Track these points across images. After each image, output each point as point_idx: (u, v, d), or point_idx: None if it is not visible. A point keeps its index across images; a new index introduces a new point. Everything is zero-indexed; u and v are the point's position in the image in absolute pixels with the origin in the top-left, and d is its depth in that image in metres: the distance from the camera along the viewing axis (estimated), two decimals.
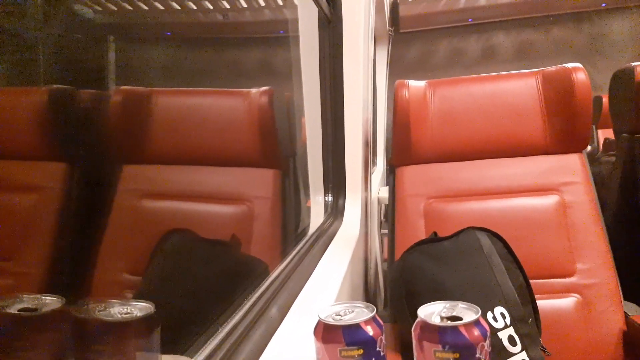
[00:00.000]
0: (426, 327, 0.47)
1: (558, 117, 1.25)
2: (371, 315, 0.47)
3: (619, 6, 4.48)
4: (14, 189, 0.68)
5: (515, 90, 1.30)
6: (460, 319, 0.47)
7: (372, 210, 1.58)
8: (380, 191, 1.86)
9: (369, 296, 1.40)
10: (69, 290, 0.59)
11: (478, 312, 0.47)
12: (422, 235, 1.20)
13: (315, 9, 1.16)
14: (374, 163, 3.09)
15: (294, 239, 1.18)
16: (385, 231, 1.45)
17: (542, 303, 1.00)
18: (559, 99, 1.25)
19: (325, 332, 0.47)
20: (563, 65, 1.26)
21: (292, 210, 1.23)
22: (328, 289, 0.75)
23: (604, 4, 4.46)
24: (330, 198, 1.25)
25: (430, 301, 0.51)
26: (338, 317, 0.48)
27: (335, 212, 1.22)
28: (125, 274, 0.91)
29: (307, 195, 1.28)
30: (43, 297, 0.47)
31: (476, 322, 0.46)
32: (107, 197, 0.96)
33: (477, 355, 0.45)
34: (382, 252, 1.90)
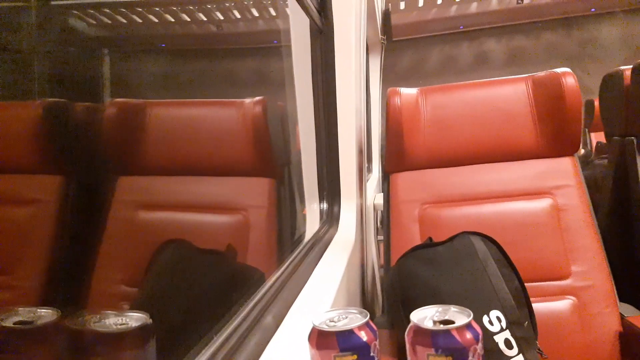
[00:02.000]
0: (419, 331, 0.47)
1: (549, 121, 1.27)
2: (364, 320, 0.48)
3: (607, 11, 4.53)
4: (10, 203, 0.68)
5: (506, 95, 1.31)
6: (452, 322, 0.47)
7: (368, 217, 1.58)
8: (375, 198, 1.87)
9: (366, 302, 1.40)
10: (66, 302, 0.59)
11: (470, 316, 0.48)
12: (418, 241, 1.21)
13: (307, 20, 1.17)
14: (369, 170, 3.09)
15: (290, 247, 1.18)
16: (381, 237, 1.46)
17: (537, 306, 1.01)
18: (549, 104, 1.26)
19: (320, 339, 0.47)
20: (552, 70, 1.28)
21: (287, 218, 1.23)
22: (324, 296, 0.76)
23: (593, 9, 4.51)
24: (325, 205, 1.26)
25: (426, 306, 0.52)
26: (332, 324, 0.48)
27: (330, 219, 1.23)
28: (122, 285, 0.91)
29: (303, 203, 1.28)
30: (38, 310, 0.47)
31: (468, 326, 0.47)
32: (103, 209, 0.96)
33: (470, 358, 0.46)
34: (379, 258, 1.90)
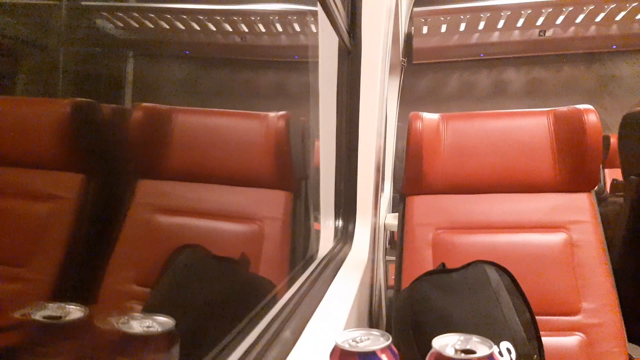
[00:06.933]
0: (440, 358, 0.48)
1: (568, 157, 1.27)
2: (387, 343, 0.48)
3: (629, 49, 4.53)
4: (32, 197, 0.70)
5: (527, 127, 1.32)
6: (473, 352, 0.48)
7: (379, 237, 1.59)
8: (386, 217, 1.87)
9: (372, 323, 1.39)
10: (77, 296, 0.60)
11: (491, 347, 0.48)
12: (429, 265, 1.21)
13: (335, 39, 1.20)
14: (382, 189, 3.09)
15: (302, 262, 1.19)
16: (390, 258, 1.46)
17: (546, 340, 1.00)
18: (570, 139, 1.27)
19: (342, 358, 0.48)
20: (575, 106, 1.28)
21: (301, 232, 1.24)
22: (339, 314, 0.76)
23: (614, 46, 4.52)
24: (340, 223, 1.26)
25: (438, 332, 0.52)
26: (354, 343, 0.49)
27: (345, 236, 1.24)
28: (135, 285, 0.92)
29: (318, 218, 1.29)
30: (67, 306, 0.48)
31: (490, 357, 0.47)
32: (122, 210, 0.98)
33: None
34: (386, 279, 1.90)
